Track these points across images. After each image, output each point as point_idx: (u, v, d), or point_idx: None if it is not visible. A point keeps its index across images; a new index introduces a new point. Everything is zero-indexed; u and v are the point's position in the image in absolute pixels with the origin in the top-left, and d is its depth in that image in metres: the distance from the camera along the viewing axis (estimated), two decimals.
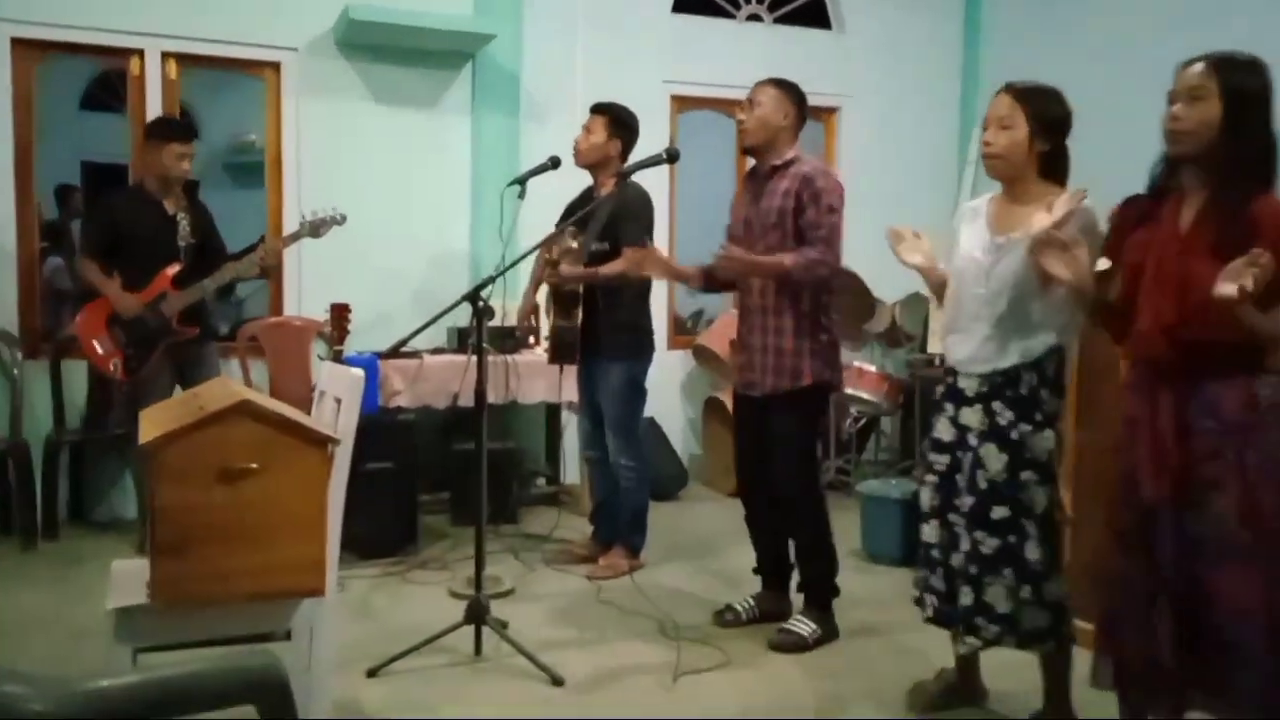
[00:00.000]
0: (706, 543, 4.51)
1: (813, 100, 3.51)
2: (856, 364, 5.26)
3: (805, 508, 3.38)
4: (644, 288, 4.06)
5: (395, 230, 5.18)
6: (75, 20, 4.69)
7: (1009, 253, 2.52)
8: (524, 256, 3.55)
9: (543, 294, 4.44)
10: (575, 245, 3.95)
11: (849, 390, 5.14)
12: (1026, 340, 2.53)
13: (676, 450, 5.62)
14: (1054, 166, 2.57)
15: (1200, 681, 2.17)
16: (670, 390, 5.76)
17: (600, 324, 3.96)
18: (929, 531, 2.70)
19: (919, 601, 2.75)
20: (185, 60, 4.95)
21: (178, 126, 4.36)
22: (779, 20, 6.11)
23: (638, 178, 3.68)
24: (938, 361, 4.91)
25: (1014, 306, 2.52)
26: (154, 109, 4.83)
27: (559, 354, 4.05)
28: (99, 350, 4.14)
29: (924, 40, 6.28)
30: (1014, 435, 2.53)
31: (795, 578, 3.51)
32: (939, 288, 2.75)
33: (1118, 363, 2.57)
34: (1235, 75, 2.13)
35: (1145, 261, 2.23)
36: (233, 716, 1.54)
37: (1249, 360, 2.15)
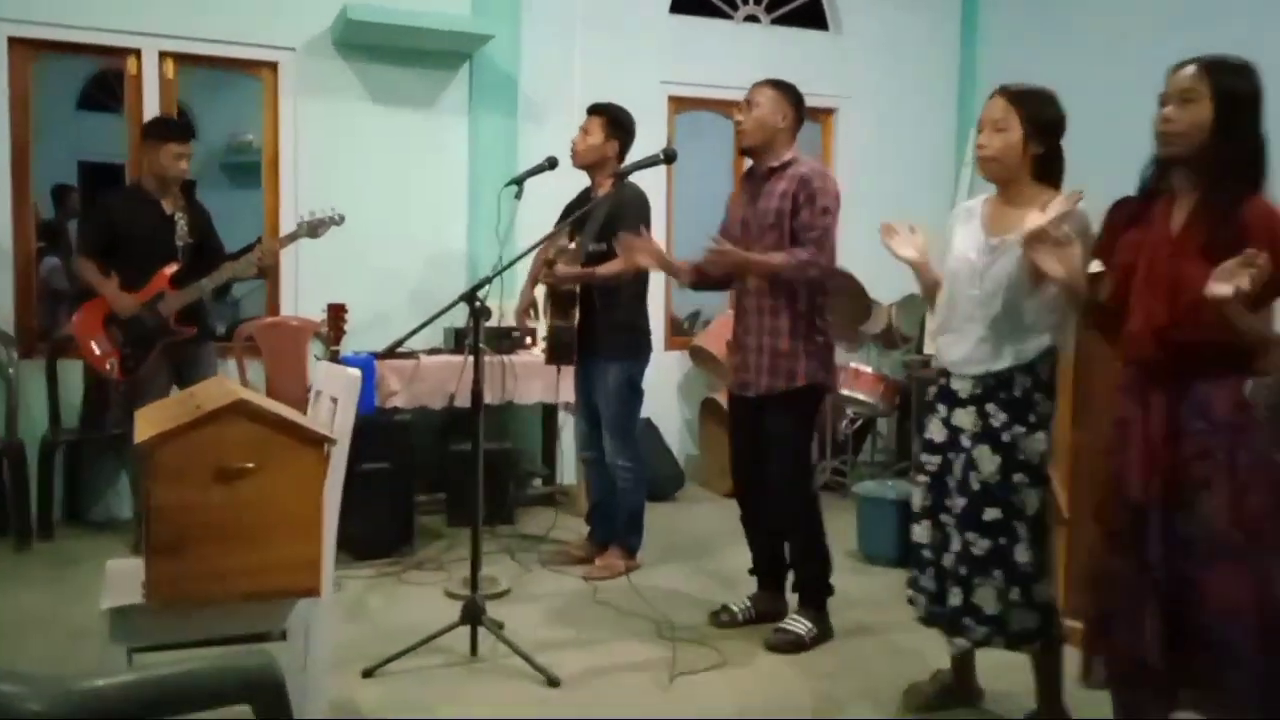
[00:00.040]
0: (703, 543, 4.52)
1: (810, 101, 3.51)
2: (853, 365, 5.27)
3: (798, 508, 3.38)
4: (641, 288, 4.06)
5: (392, 230, 5.18)
6: (72, 20, 4.69)
7: (1003, 254, 2.53)
8: (521, 257, 3.55)
9: (540, 292, 4.44)
10: (573, 245, 3.95)
11: (845, 391, 5.15)
12: (1020, 342, 2.54)
13: (673, 451, 5.63)
14: (1048, 169, 2.57)
15: (1190, 681, 2.19)
16: (667, 391, 5.76)
17: (597, 324, 3.96)
18: (920, 532, 2.71)
19: (913, 601, 2.77)
20: (183, 60, 4.95)
21: (175, 126, 4.36)
22: (776, 21, 6.12)
23: (635, 178, 3.69)
24: (934, 363, 4.91)
25: (1008, 308, 2.52)
26: (151, 109, 4.83)
27: (556, 354, 4.05)
28: (96, 350, 4.13)
29: (921, 41, 6.29)
30: (1007, 437, 2.54)
31: (790, 578, 3.51)
32: (930, 287, 2.76)
33: (1115, 363, 2.57)
34: (1226, 78, 2.15)
35: (1136, 263, 2.25)
36: (228, 716, 1.54)
37: (1239, 361, 2.17)
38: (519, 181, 4.01)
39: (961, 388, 2.61)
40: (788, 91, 3.38)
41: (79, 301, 4.33)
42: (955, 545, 2.58)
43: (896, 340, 5.73)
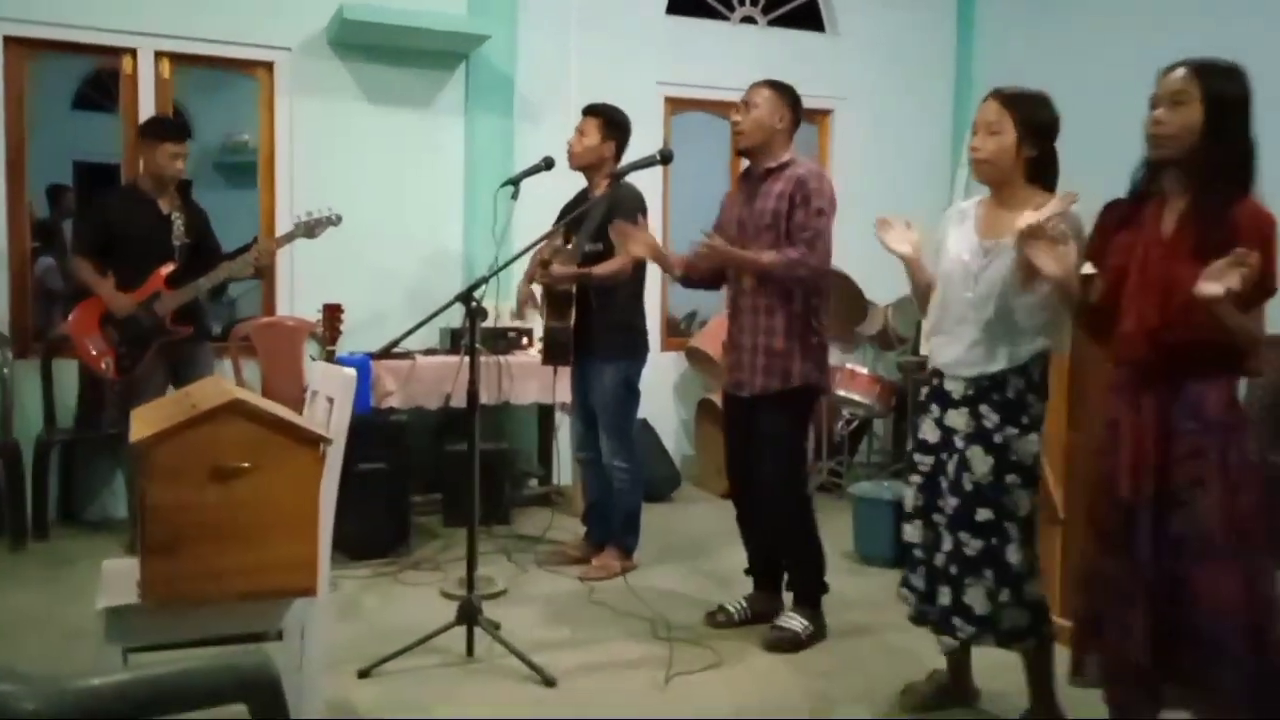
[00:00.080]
0: (699, 544, 4.52)
1: (806, 102, 3.51)
2: (848, 366, 5.28)
3: (791, 507, 3.39)
4: (638, 288, 4.06)
5: (388, 230, 5.18)
6: (68, 19, 4.68)
7: (998, 257, 2.53)
8: (517, 257, 3.55)
9: (537, 290, 4.44)
10: (569, 246, 3.95)
11: (841, 392, 5.15)
12: (1013, 345, 2.54)
13: (669, 451, 5.63)
14: (1042, 171, 2.58)
15: (1180, 679, 2.20)
16: (663, 392, 5.77)
17: (594, 324, 3.96)
18: (912, 531, 2.72)
19: (905, 600, 2.78)
20: (178, 59, 4.95)
21: (171, 126, 4.35)
22: (773, 22, 6.13)
23: (632, 179, 3.69)
24: (927, 364, 4.93)
25: (1001, 311, 2.53)
26: (147, 108, 4.82)
27: (552, 355, 4.05)
28: (92, 349, 4.12)
29: (917, 42, 6.30)
30: (999, 439, 2.55)
31: (785, 577, 3.52)
32: (921, 284, 2.76)
33: (1108, 365, 2.59)
34: (1216, 81, 2.16)
35: (1128, 265, 2.26)
36: (224, 716, 1.54)
37: (1231, 362, 2.19)
38: (515, 182, 4.00)
39: (955, 389, 2.62)
40: (785, 92, 3.38)
41: (74, 301, 4.32)
42: (947, 545, 2.60)
43: (892, 341, 5.74)
